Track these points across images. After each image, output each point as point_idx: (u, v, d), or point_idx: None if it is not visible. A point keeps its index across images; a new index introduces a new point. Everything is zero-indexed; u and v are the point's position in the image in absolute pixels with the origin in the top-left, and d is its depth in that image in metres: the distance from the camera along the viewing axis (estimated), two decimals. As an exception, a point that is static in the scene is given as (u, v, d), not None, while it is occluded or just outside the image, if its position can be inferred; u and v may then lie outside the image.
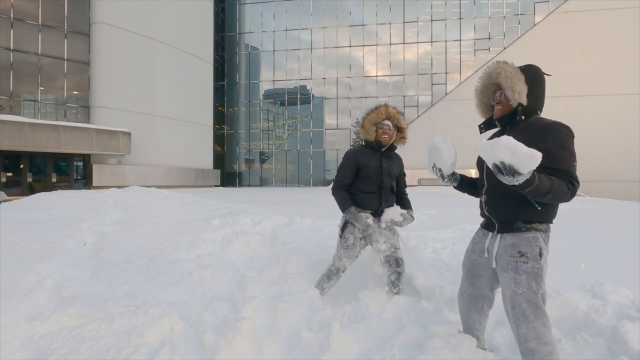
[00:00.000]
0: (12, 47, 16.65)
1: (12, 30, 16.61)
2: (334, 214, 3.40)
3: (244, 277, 2.86)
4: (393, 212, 2.42)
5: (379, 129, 2.42)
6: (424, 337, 1.90)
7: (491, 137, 1.58)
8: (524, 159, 1.22)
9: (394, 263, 2.45)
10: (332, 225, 4.64)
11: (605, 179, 20.72)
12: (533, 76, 1.53)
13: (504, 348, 1.89)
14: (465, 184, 1.81)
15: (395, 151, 2.58)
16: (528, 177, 1.25)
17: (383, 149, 2.46)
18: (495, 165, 1.28)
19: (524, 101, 1.51)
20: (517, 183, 1.26)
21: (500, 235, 1.55)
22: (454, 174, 1.76)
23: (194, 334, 1.98)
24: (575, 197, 15.22)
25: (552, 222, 1.53)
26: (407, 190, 2.66)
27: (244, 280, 2.75)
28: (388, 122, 2.43)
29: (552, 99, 25.28)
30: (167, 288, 2.45)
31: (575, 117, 21.07)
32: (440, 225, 5.72)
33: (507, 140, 1.23)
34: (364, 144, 2.54)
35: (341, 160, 2.57)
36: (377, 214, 2.43)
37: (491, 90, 1.66)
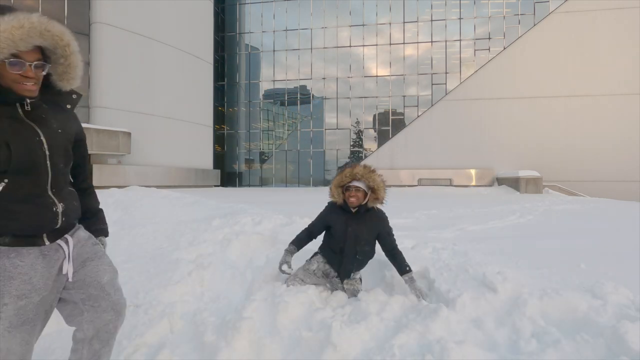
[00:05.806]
0: (12, 47, 16.65)
1: (12, 30, 16.61)
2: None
3: (244, 277, 2.86)
4: (353, 290, 2.49)
5: (347, 191, 2.37)
6: (424, 337, 1.89)
7: None
8: None
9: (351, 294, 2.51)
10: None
11: (605, 179, 20.69)
12: None
13: (504, 348, 1.89)
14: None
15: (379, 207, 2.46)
16: None
17: (354, 211, 2.40)
18: None
19: None
20: None
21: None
22: None
23: (194, 334, 1.98)
24: (575, 197, 15.15)
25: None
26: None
27: (244, 280, 2.75)
28: (356, 184, 2.33)
29: (552, 99, 25.18)
30: (167, 288, 2.45)
31: (575, 117, 21.06)
32: (440, 225, 5.72)
33: None
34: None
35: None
36: (340, 275, 2.51)
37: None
